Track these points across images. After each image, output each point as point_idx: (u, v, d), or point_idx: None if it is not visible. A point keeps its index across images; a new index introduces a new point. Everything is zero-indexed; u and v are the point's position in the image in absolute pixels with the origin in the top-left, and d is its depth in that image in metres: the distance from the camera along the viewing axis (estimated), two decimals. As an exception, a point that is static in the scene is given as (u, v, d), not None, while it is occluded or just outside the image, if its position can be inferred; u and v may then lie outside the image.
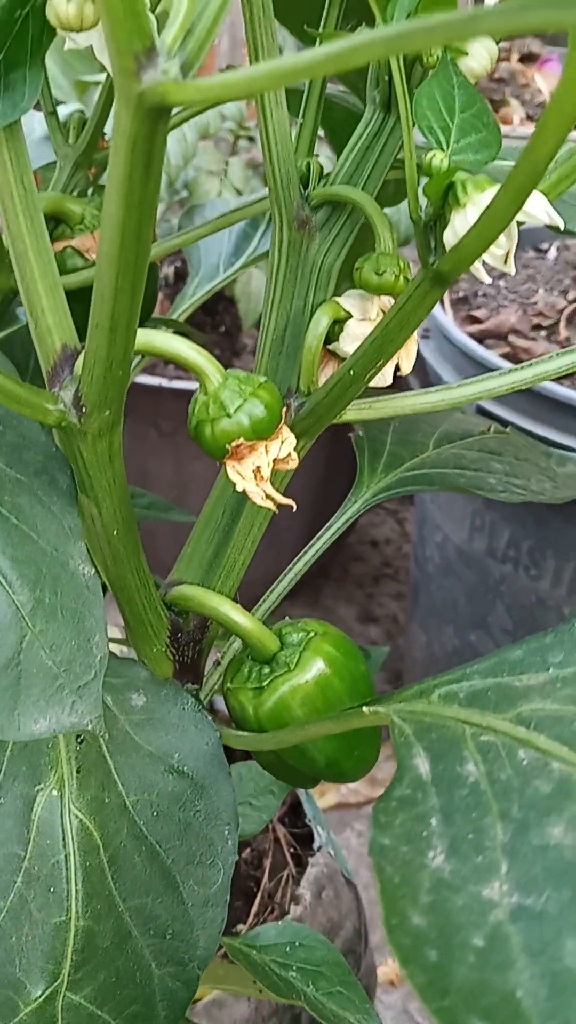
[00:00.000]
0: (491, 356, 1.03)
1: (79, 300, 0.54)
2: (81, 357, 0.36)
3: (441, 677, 0.33)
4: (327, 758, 0.46)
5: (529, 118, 1.78)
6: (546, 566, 1.09)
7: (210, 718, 0.47)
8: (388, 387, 0.46)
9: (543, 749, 0.28)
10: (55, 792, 0.42)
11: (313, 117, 0.46)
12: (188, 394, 1.31)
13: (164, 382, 1.30)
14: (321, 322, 0.44)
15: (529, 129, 1.69)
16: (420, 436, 0.64)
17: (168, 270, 1.38)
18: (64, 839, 0.42)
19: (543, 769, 0.27)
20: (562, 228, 0.36)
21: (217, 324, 1.41)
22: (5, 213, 0.35)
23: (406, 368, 0.46)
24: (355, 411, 0.46)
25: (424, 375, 1.20)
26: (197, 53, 0.27)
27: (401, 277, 0.43)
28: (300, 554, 0.57)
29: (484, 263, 0.37)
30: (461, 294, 1.24)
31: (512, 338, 1.10)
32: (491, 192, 0.35)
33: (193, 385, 1.32)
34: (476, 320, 1.16)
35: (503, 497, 0.59)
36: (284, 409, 0.45)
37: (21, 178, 0.35)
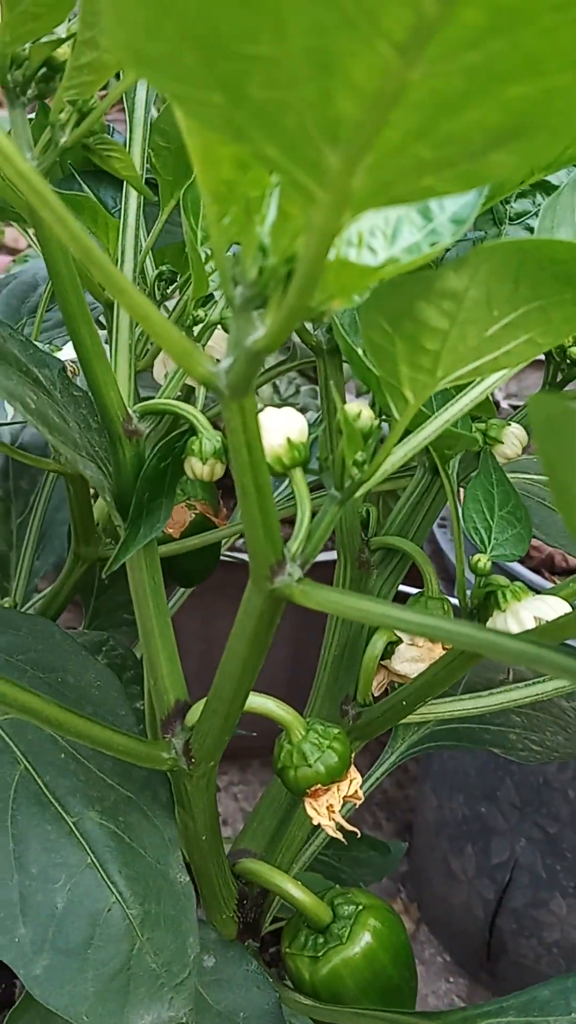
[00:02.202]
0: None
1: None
2: (192, 711, 0.45)
3: (481, 1008, 0.41)
4: (373, 1024, 0.53)
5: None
6: (554, 752, 1.17)
7: (271, 980, 0.54)
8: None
9: None
10: (143, 1058, 0.49)
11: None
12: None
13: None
14: (377, 645, 0.53)
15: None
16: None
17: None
18: None
19: None
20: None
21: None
22: (138, 602, 0.44)
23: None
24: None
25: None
26: (313, 551, 0.36)
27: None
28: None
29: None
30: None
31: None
32: (526, 602, 0.44)
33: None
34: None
35: (522, 757, 0.67)
36: (342, 717, 0.54)
37: (153, 575, 0.44)
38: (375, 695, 0.55)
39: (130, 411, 0.42)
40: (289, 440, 0.36)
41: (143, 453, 0.42)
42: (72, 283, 0.38)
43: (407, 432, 0.38)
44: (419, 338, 0.31)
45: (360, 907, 0.54)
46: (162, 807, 0.48)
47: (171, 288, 0.57)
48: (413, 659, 0.53)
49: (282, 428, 0.36)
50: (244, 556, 1.44)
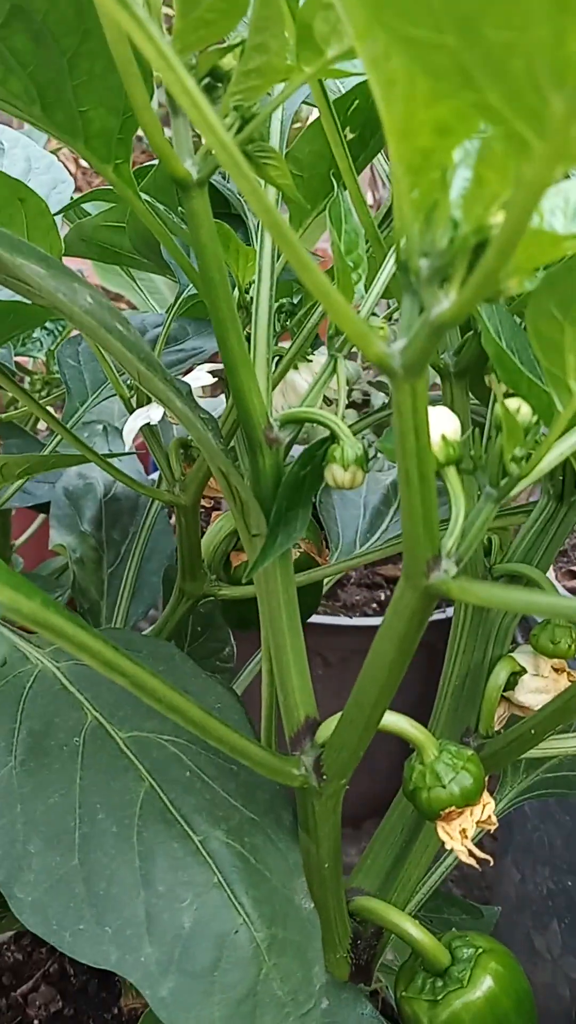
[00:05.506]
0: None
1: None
2: (322, 728, 0.44)
3: None
4: (496, 1074, 0.50)
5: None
6: None
7: (386, 1025, 0.52)
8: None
9: None
10: None
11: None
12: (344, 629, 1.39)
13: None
14: (501, 675, 0.52)
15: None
16: (555, 734, 0.70)
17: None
18: None
19: None
20: None
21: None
22: (270, 611, 0.44)
23: None
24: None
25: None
26: (467, 551, 0.36)
27: (573, 646, 0.51)
28: (441, 859, 0.63)
29: None
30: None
31: (612, 597, 1.17)
32: None
33: (342, 620, 1.40)
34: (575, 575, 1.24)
35: None
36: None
37: (287, 587, 0.43)
38: (496, 729, 0.53)
39: (271, 419, 0.42)
40: (444, 437, 0.36)
41: (281, 462, 0.43)
42: (224, 289, 0.39)
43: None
44: (590, 325, 0.31)
45: (480, 950, 0.52)
46: (286, 831, 0.47)
47: (291, 321, 0.58)
48: (537, 690, 0.52)
49: (437, 426, 0.36)
50: (315, 619, 1.44)
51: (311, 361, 0.59)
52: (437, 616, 1.46)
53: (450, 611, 1.52)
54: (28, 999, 0.89)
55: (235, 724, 0.48)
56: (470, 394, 0.57)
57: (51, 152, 0.76)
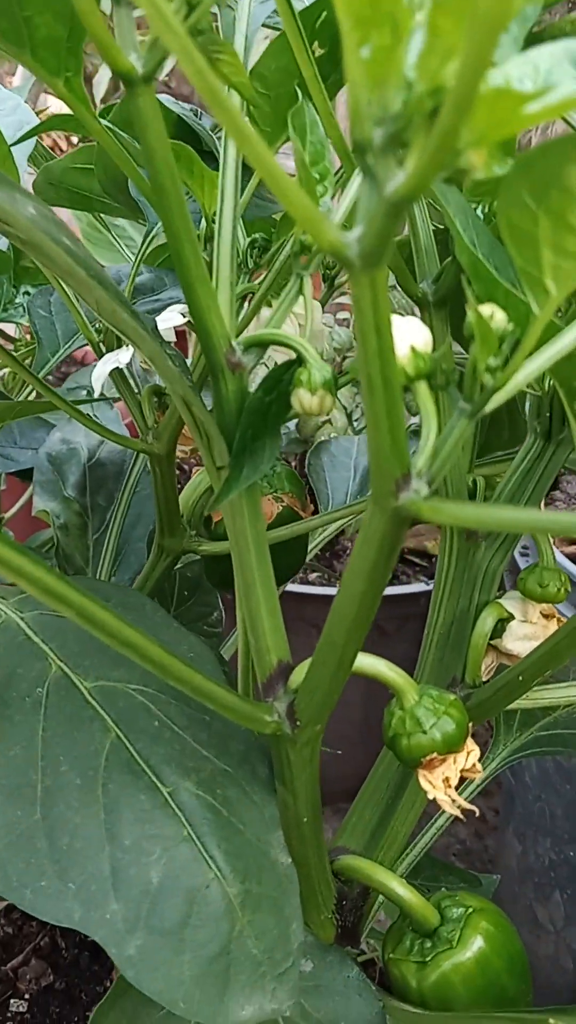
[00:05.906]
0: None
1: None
2: (295, 672, 0.42)
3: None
4: (487, 1036, 0.48)
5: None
6: None
7: (373, 988, 0.49)
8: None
9: None
10: (238, 1064, 0.45)
11: (471, 445, 0.52)
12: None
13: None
14: (487, 622, 0.49)
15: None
16: (550, 691, 0.68)
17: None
18: None
19: None
20: None
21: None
22: (239, 549, 0.41)
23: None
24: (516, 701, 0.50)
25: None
26: (440, 470, 0.33)
27: (562, 589, 0.48)
28: (432, 820, 0.61)
29: None
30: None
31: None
32: None
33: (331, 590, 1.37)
34: (574, 541, 1.21)
35: None
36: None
37: (255, 523, 0.41)
38: (484, 679, 0.51)
39: (233, 342, 0.39)
40: (414, 349, 0.33)
41: (246, 388, 0.40)
42: (177, 197, 0.36)
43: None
44: (566, 214, 0.29)
45: (470, 910, 0.50)
46: (261, 784, 0.45)
47: (264, 257, 0.56)
48: (526, 637, 0.49)
49: (406, 336, 0.33)
50: (312, 589, 1.42)
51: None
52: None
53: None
54: (19, 973, 0.87)
55: (208, 673, 0.46)
56: (453, 342, 0.54)
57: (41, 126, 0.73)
